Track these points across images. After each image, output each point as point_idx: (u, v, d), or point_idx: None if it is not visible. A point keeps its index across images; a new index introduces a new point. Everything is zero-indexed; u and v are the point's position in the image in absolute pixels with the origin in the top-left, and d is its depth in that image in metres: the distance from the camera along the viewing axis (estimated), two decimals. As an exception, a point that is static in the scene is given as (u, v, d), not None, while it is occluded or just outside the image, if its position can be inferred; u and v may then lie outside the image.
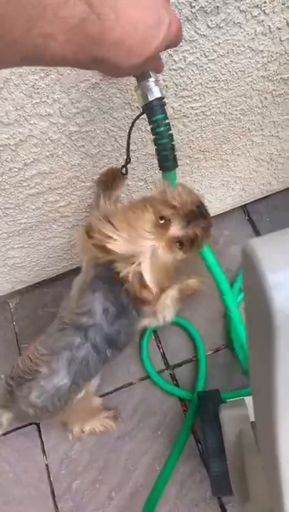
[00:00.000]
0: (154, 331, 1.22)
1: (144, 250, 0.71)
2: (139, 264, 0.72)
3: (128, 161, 0.77)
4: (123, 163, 0.79)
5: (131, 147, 0.90)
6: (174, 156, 0.69)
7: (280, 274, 0.28)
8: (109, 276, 0.79)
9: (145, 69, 0.59)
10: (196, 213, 0.73)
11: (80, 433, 1.09)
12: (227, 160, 1.08)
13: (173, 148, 0.68)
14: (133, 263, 0.72)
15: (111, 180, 0.90)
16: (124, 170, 0.80)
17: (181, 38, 0.57)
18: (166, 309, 0.98)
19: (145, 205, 0.73)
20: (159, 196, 0.74)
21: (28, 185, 0.90)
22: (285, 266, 0.28)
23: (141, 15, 0.47)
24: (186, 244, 0.74)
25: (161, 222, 0.72)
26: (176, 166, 0.70)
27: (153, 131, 0.66)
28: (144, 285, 0.73)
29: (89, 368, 0.88)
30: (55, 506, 1.10)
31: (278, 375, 0.31)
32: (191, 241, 0.74)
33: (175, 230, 0.73)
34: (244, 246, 0.30)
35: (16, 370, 0.90)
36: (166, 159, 0.68)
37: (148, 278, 0.72)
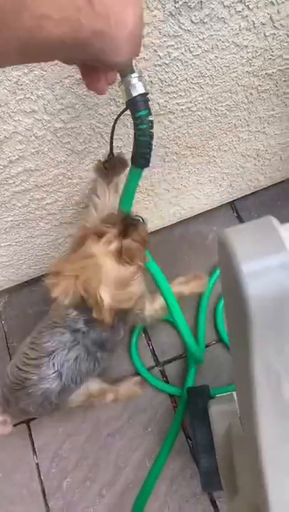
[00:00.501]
0: (144, 329, 1.22)
1: (93, 269, 0.75)
2: (94, 284, 0.74)
3: (111, 156, 0.77)
4: (106, 158, 0.79)
5: (117, 143, 0.90)
6: (150, 157, 0.70)
7: (253, 263, 0.28)
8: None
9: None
10: (126, 223, 0.78)
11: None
12: (214, 156, 1.08)
13: (151, 147, 0.68)
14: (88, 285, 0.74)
15: (111, 166, 0.90)
16: (107, 164, 0.80)
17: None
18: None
19: (85, 234, 0.79)
20: (96, 222, 0.81)
21: (14, 183, 0.89)
22: (259, 255, 0.28)
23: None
24: (129, 255, 0.78)
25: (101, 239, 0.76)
26: (147, 165, 0.71)
27: (136, 127, 0.66)
28: (100, 305, 0.75)
29: (80, 370, 0.89)
30: (46, 505, 1.09)
31: (255, 362, 0.32)
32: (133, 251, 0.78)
33: (112, 244, 0.76)
34: (219, 236, 0.30)
35: (6, 380, 0.92)
36: (142, 157, 0.69)
37: (104, 294, 0.75)
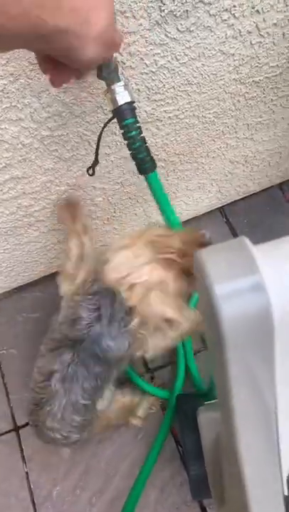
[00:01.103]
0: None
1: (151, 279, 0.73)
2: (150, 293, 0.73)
3: (96, 162, 0.77)
4: (90, 165, 0.79)
5: (105, 151, 0.90)
6: (151, 158, 0.69)
7: (226, 285, 0.28)
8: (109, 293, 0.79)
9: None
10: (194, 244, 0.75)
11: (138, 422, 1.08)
12: (202, 163, 1.09)
13: (147, 150, 0.68)
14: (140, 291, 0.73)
15: (72, 212, 0.92)
16: (91, 170, 0.80)
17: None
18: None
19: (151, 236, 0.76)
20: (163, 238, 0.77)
21: (1, 190, 0.88)
22: (232, 276, 0.28)
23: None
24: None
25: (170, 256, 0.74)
26: (155, 166, 0.70)
27: (125, 135, 0.66)
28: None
29: (83, 386, 0.85)
30: (36, 514, 1.09)
31: (230, 377, 0.32)
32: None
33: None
34: (194, 257, 0.30)
35: (30, 401, 0.91)
36: (143, 161, 0.69)
37: (156, 307, 0.74)
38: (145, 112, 0.85)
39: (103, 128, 0.71)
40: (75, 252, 0.90)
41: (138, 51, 0.72)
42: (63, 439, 0.89)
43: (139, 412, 1.08)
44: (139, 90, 0.80)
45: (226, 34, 0.77)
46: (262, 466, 0.38)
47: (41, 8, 0.40)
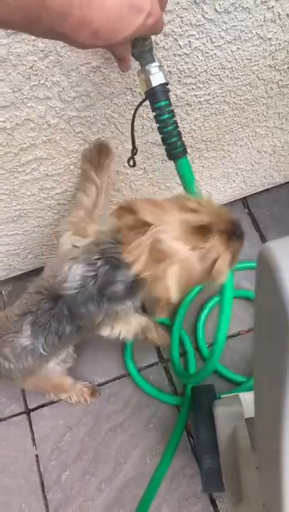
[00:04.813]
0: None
1: (176, 254, 0.66)
2: (167, 268, 0.66)
3: (135, 151, 0.73)
4: (130, 155, 0.76)
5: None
6: (182, 143, 0.67)
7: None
8: (114, 259, 0.76)
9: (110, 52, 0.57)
10: (237, 232, 0.68)
11: (53, 398, 1.10)
12: (229, 151, 1.06)
13: (179, 134, 0.65)
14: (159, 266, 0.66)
15: (97, 156, 0.86)
16: (131, 162, 0.76)
17: (159, 31, 0.53)
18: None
19: (183, 203, 0.68)
20: (192, 204, 0.68)
21: (24, 171, 0.87)
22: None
23: None
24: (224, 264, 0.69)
25: (200, 230, 0.66)
26: (185, 152, 0.68)
27: (156, 118, 0.63)
28: (164, 289, 0.68)
29: (47, 338, 0.87)
30: (44, 497, 1.08)
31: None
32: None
33: (216, 243, 0.67)
34: (261, 249, 0.28)
35: None
36: (175, 146, 0.66)
37: (171, 283, 0.67)
38: (175, 95, 0.82)
39: (135, 112, 0.69)
40: (87, 203, 0.87)
41: (173, 31, 0.70)
42: (8, 370, 0.91)
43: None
44: (170, 73, 0.77)
45: (265, 17, 0.74)
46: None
47: (57, 19, 0.42)
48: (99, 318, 0.84)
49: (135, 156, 0.75)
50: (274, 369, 0.32)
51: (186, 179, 0.72)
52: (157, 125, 0.64)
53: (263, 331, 0.35)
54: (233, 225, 0.68)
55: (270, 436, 0.38)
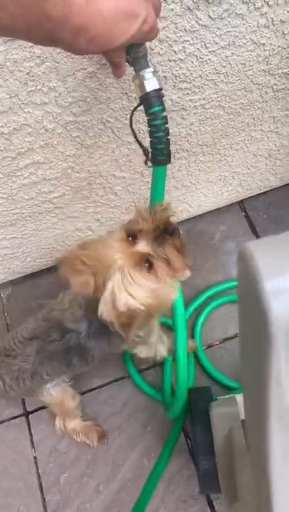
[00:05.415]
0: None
1: (112, 266, 0.67)
2: (111, 285, 0.67)
3: (146, 151, 0.72)
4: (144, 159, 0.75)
5: (127, 139, 0.89)
6: (169, 152, 0.67)
7: (277, 281, 0.26)
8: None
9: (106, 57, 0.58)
10: (163, 230, 0.69)
11: (61, 428, 1.08)
12: (225, 155, 1.07)
13: (168, 142, 0.66)
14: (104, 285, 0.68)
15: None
16: (149, 162, 0.76)
17: (153, 37, 0.54)
18: (157, 345, 0.97)
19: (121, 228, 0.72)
20: (134, 216, 0.72)
21: (22, 175, 0.88)
22: (283, 272, 0.26)
23: (114, 5, 0.46)
24: (159, 265, 0.70)
25: (129, 239, 0.70)
26: (169, 161, 0.68)
27: (149, 123, 0.64)
28: (118, 310, 0.68)
29: (53, 365, 0.90)
30: (43, 499, 1.09)
31: (272, 382, 0.30)
32: (164, 263, 0.70)
33: (141, 246, 0.69)
34: (241, 250, 0.28)
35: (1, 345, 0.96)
36: (161, 153, 0.67)
37: (120, 299, 0.67)
38: (170, 100, 0.83)
39: (131, 116, 0.69)
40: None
41: (167, 37, 0.71)
42: (4, 390, 0.94)
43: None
44: (165, 78, 0.78)
45: (258, 23, 0.75)
46: None
47: (56, 26, 0.43)
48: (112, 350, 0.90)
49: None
50: (256, 376, 0.33)
51: (158, 187, 0.74)
52: (149, 129, 0.65)
53: (245, 329, 0.35)
54: (165, 225, 0.69)
55: (257, 440, 0.39)
